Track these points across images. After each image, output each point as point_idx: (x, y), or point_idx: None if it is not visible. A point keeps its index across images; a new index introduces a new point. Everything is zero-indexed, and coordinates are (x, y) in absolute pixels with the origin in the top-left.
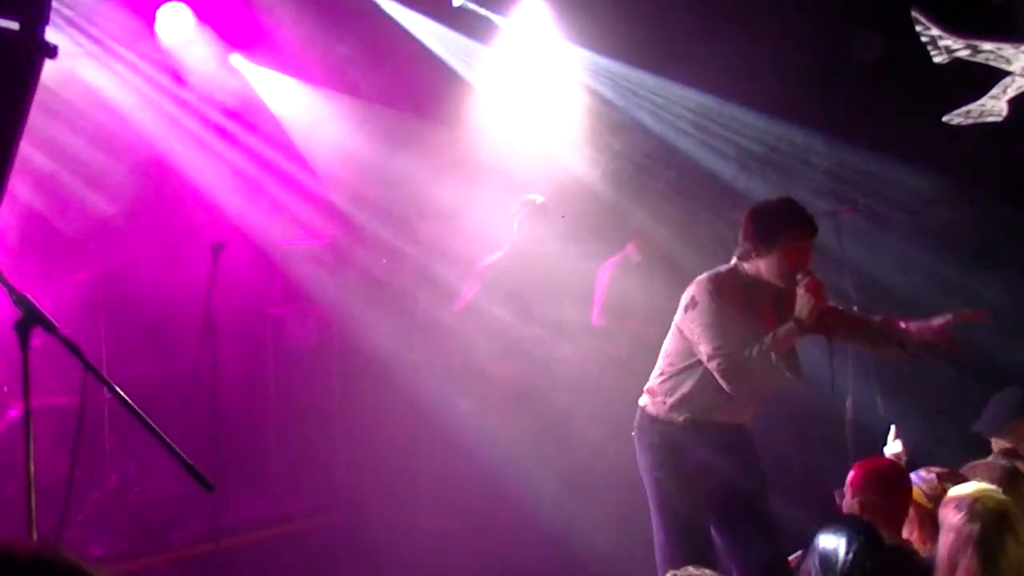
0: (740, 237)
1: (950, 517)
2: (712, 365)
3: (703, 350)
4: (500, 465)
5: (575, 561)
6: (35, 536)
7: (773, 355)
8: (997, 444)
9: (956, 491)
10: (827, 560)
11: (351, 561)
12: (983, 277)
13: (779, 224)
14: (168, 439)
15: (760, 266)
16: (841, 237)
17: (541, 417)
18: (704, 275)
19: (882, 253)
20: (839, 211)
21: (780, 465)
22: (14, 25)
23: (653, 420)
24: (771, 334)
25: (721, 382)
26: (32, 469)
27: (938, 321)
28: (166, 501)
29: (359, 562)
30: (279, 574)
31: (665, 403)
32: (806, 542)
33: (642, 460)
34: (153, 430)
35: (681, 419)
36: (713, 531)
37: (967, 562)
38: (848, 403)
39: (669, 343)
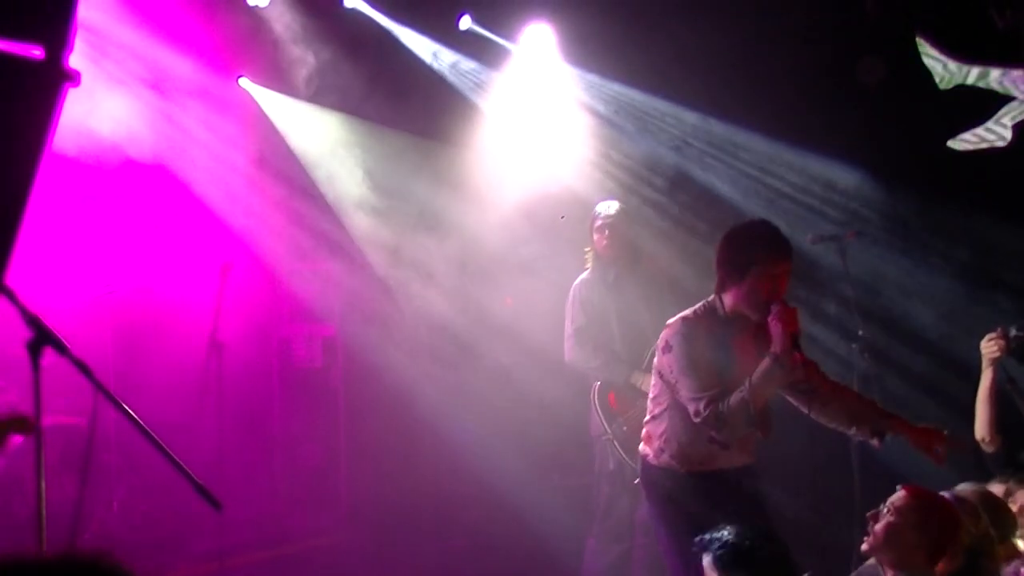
0: (715, 265)
1: None
2: (691, 412)
3: (683, 396)
4: (505, 484)
5: None
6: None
7: (751, 406)
8: None
9: None
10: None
11: None
12: (987, 301)
13: (750, 249)
14: (176, 458)
15: (735, 297)
16: (846, 261)
17: (547, 435)
18: (678, 317)
19: (885, 277)
20: (843, 235)
21: (782, 473)
22: (38, 52)
23: (652, 469)
24: (748, 381)
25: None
26: (43, 486)
27: (931, 438)
28: (169, 520)
29: None
30: None
31: (663, 450)
32: (811, 550)
33: (652, 510)
34: (162, 449)
35: (683, 470)
36: None
37: None
38: None
39: (652, 384)
